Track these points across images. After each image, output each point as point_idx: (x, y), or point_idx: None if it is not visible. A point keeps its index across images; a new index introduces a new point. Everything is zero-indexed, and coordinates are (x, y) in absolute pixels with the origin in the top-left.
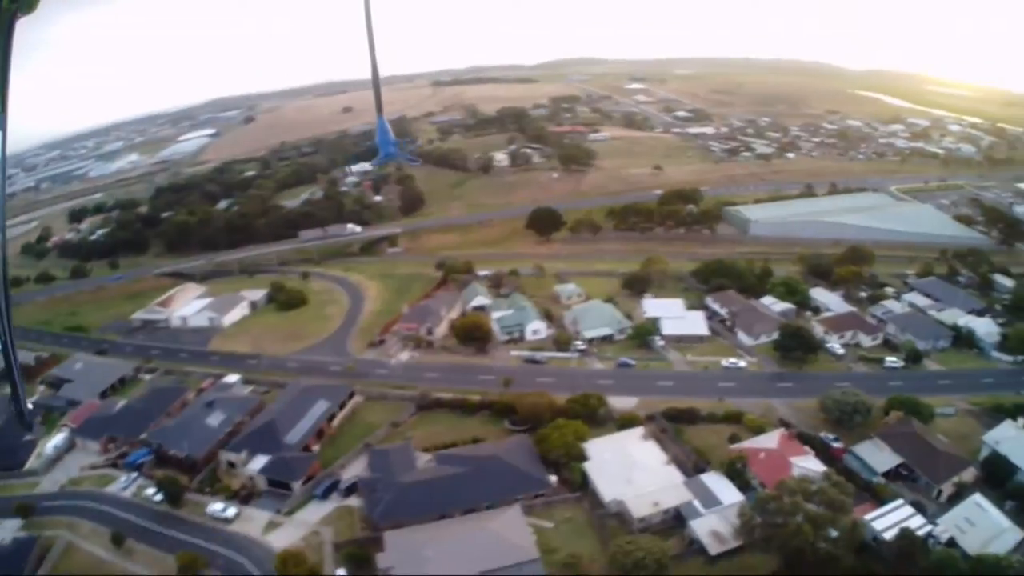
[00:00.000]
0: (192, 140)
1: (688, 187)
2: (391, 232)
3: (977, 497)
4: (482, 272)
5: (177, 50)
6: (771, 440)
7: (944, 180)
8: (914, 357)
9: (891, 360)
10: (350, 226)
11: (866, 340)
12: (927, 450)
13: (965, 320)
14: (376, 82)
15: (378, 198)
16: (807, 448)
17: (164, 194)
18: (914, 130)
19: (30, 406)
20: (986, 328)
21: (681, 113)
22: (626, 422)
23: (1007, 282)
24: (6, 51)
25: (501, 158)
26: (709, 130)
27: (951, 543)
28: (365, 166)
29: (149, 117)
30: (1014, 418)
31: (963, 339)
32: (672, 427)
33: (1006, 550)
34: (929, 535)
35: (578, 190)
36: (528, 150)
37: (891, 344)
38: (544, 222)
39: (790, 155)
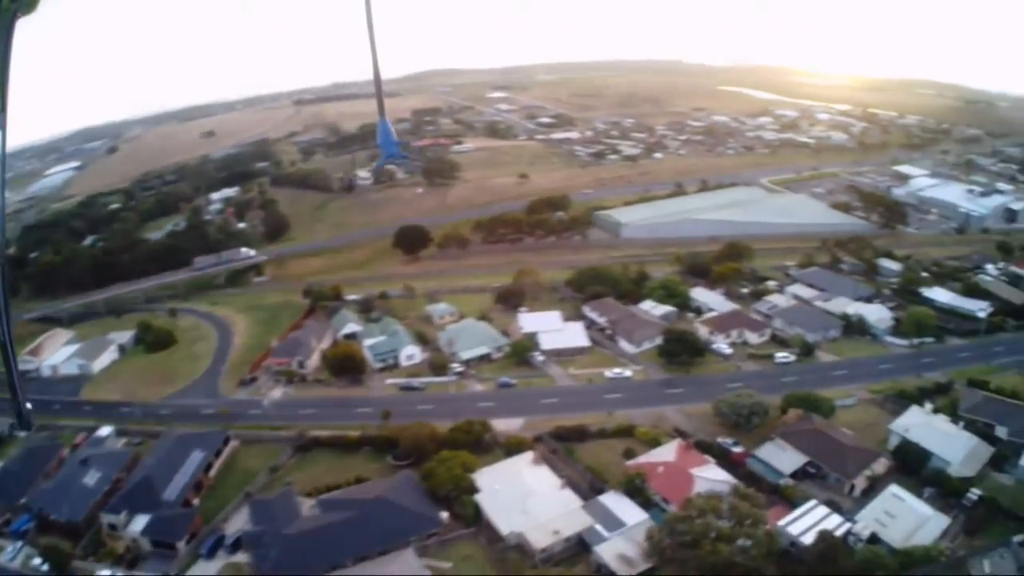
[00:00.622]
0: (58, 174)
1: (556, 194)
2: (257, 260)
3: (894, 488)
4: (351, 296)
5: (42, 79)
6: (668, 452)
7: (817, 169)
8: (805, 350)
9: (782, 356)
10: (244, 250)
11: (753, 337)
12: (833, 445)
13: (855, 308)
14: (378, 85)
15: (242, 225)
16: (707, 457)
17: (31, 232)
18: (782, 121)
19: (28, 406)
20: (877, 314)
21: (544, 119)
22: (514, 447)
23: (893, 265)
24: (6, 51)
25: (364, 176)
26: (574, 134)
27: (873, 539)
28: (228, 192)
29: (18, 151)
30: (919, 403)
31: (854, 327)
32: (562, 447)
33: (932, 538)
34: (849, 533)
35: (444, 204)
36: (391, 166)
37: (780, 339)
38: (411, 240)
39: (657, 155)
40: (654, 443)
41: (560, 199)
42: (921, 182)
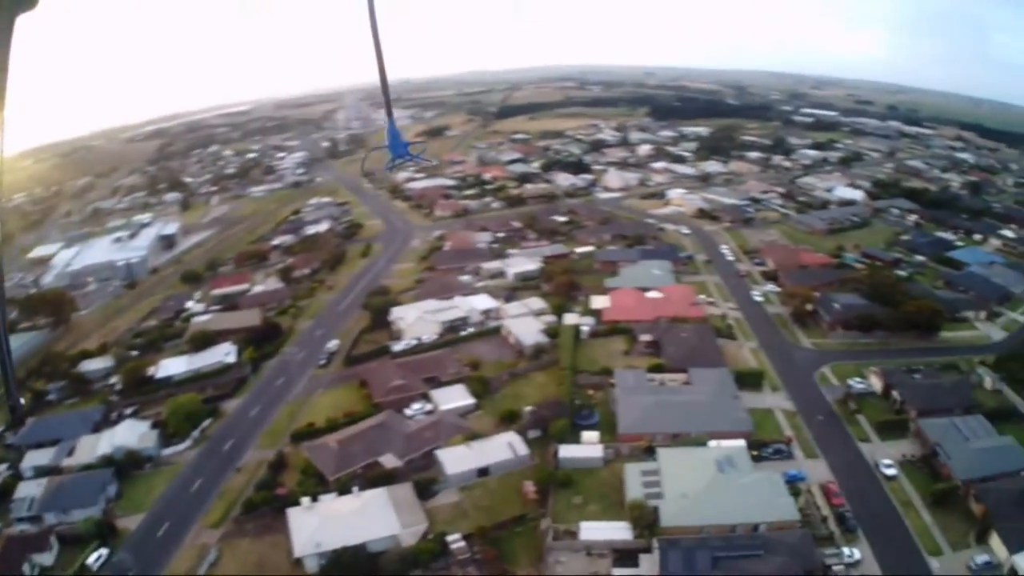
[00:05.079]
0: None
1: None
2: None
3: None
4: None
5: None
6: None
7: None
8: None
9: None
10: None
11: None
12: None
13: (108, 438)
14: (385, 87)
15: None
16: None
17: None
18: None
19: (22, 401)
20: (134, 431)
21: None
22: None
23: (97, 364)
24: (6, 49)
25: None
26: None
27: None
28: None
29: None
30: None
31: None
32: None
33: None
34: None
35: None
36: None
37: None
38: None
39: None
40: None
41: None
42: (63, 257)
